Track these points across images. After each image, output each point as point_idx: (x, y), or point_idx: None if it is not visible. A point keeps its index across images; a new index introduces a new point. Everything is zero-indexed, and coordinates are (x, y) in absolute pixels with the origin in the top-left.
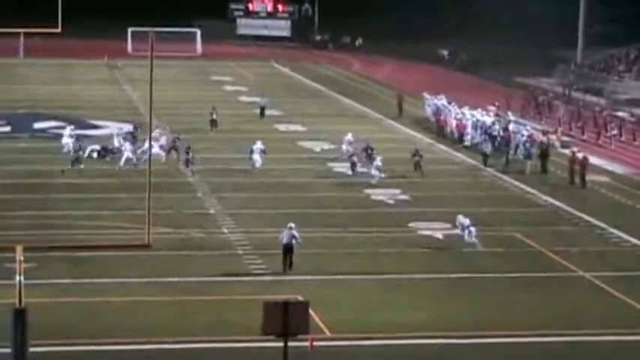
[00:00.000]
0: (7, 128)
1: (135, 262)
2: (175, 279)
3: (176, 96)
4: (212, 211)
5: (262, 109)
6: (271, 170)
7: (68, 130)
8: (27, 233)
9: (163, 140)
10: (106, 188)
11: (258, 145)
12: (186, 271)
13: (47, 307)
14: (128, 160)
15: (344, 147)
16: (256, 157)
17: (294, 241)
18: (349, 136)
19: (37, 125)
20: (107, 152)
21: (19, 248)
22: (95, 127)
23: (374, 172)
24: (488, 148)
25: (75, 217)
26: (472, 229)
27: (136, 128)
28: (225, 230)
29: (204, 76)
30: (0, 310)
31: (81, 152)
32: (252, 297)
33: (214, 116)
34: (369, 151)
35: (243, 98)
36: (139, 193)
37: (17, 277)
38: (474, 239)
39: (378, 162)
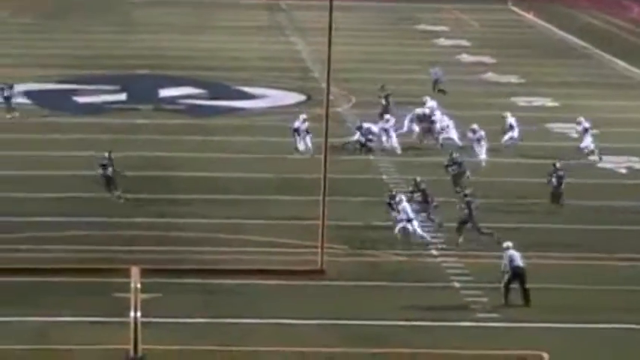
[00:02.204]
0: (122, 96)
1: (298, 295)
2: (357, 322)
3: (364, 53)
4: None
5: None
6: (499, 166)
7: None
8: (146, 249)
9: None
10: (257, 187)
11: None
12: (375, 311)
13: (171, 356)
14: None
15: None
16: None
17: (519, 263)
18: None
19: (164, 93)
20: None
21: (135, 271)
22: (248, 96)
23: None
24: None
25: (213, 227)
26: None
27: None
28: (435, 252)
29: (407, 23)
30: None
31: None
32: (475, 352)
33: (385, 100)
34: None
35: (464, 57)
36: (306, 195)
37: (132, 313)
38: None
39: None
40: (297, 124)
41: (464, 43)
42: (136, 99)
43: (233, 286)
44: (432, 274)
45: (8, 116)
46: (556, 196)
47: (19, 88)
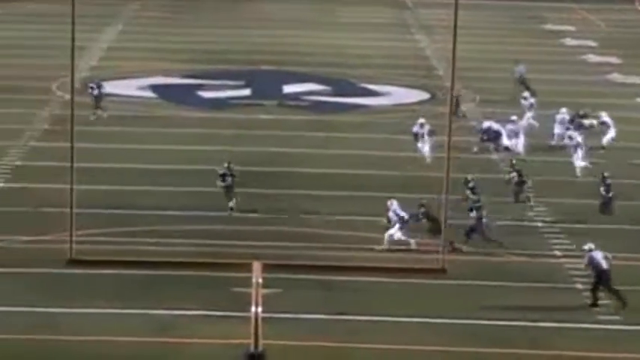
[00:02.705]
0: (246, 91)
1: (418, 294)
2: (477, 321)
3: (489, 51)
4: (539, 224)
5: (523, 80)
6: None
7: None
8: (268, 244)
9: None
10: (379, 185)
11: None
12: (496, 311)
13: (291, 351)
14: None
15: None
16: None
17: (605, 266)
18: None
19: (287, 89)
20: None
21: (256, 265)
22: (372, 93)
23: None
24: None
25: (333, 223)
26: None
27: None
28: (558, 253)
29: (534, 22)
30: (228, 354)
31: None
32: (596, 354)
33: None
34: None
35: (590, 57)
36: (429, 193)
37: (252, 309)
38: None
39: None
40: (415, 129)
41: (590, 43)
42: (260, 94)
43: (353, 283)
44: (554, 275)
45: (92, 117)
46: (605, 206)
47: (146, 81)
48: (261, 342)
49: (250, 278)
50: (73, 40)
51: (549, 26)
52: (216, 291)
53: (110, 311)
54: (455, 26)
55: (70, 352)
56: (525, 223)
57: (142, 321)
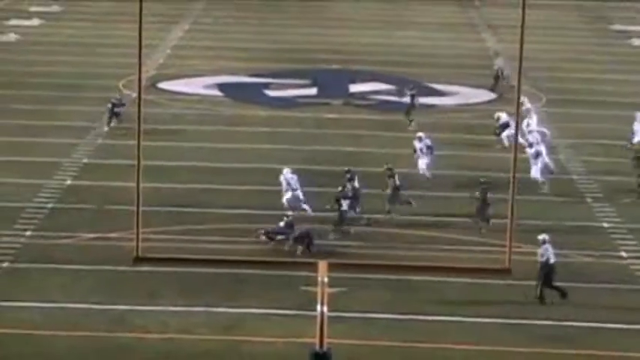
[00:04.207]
0: (313, 90)
1: (483, 294)
2: (543, 322)
3: (556, 51)
4: (605, 225)
5: (497, 75)
6: None
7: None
8: (336, 244)
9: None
10: (446, 184)
11: None
12: (562, 311)
13: (357, 351)
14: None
15: None
16: None
17: (552, 260)
18: None
19: (354, 88)
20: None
21: (322, 265)
22: (439, 92)
23: None
24: None
25: (398, 223)
26: None
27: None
28: (624, 254)
29: (602, 22)
30: (293, 353)
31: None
32: None
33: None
34: None
35: None
36: (497, 193)
37: (318, 308)
38: None
39: None
40: (415, 142)
41: None
42: (327, 93)
43: (418, 282)
44: (621, 275)
45: (105, 128)
46: None
47: (212, 80)
48: (326, 341)
49: (316, 277)
50: (140, 38)
51: (617, 26)
52: (282, 290)
53: (175, 309)
54: (522, 26)
55: (136, 350)
56: (592, 223)
57: (207, 319)
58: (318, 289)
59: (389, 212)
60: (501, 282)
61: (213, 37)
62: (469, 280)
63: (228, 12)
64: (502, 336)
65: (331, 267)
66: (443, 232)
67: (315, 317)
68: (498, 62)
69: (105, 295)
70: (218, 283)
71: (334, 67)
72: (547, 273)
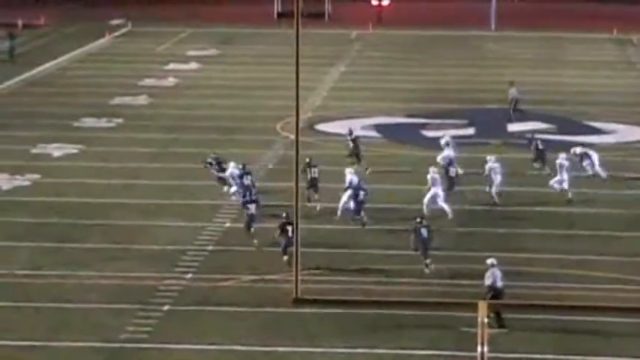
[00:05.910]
0: (470, 130)
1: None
2: None
3: None
4: None
5: (514, 103)
6: None
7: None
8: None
9: None
10: (606, 222)
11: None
12: None
13: None
14: None
15: None
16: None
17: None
18: None
19: (512, 127)
20: None
21: (482, 305)
22: (596, 130)
23: None
24: None
25: (556, 262)
26: None
27: None
28: None
29: None
30: None
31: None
32: None
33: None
34: None
35: None
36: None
37: (478, 348)
38: None
39: None
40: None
41: None
42: (485, 133)
43: (581, 322)
44: None
45: (225, 189)
46: None
47: (369, 121)
48: None
49: (476, 318)
50: (297, 80)
51: None
52: (442, 330)
53: (335, 350)
54: None
55: None
56: None
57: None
58: (478, 330)
59: None
60: None
61: (370, 78)
62: (628, 320)
63: (383, 53)
64: None
65: (491, 307)
66: (603, 272)
67: (475, 358)
68: (512, 91)
69: (265, 337)
70: (378, 325)
71: (491, 106)
72: (494, 296)
